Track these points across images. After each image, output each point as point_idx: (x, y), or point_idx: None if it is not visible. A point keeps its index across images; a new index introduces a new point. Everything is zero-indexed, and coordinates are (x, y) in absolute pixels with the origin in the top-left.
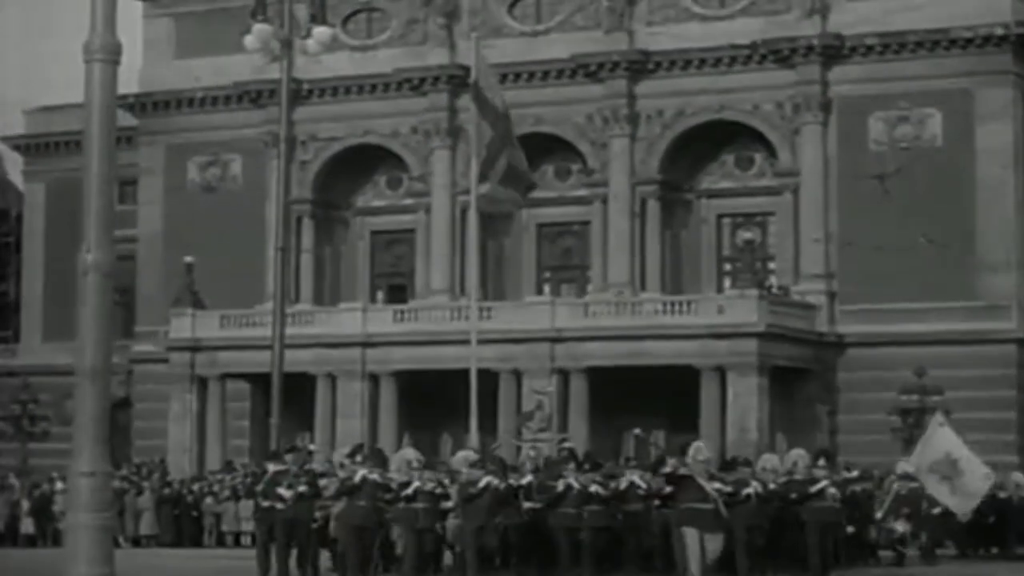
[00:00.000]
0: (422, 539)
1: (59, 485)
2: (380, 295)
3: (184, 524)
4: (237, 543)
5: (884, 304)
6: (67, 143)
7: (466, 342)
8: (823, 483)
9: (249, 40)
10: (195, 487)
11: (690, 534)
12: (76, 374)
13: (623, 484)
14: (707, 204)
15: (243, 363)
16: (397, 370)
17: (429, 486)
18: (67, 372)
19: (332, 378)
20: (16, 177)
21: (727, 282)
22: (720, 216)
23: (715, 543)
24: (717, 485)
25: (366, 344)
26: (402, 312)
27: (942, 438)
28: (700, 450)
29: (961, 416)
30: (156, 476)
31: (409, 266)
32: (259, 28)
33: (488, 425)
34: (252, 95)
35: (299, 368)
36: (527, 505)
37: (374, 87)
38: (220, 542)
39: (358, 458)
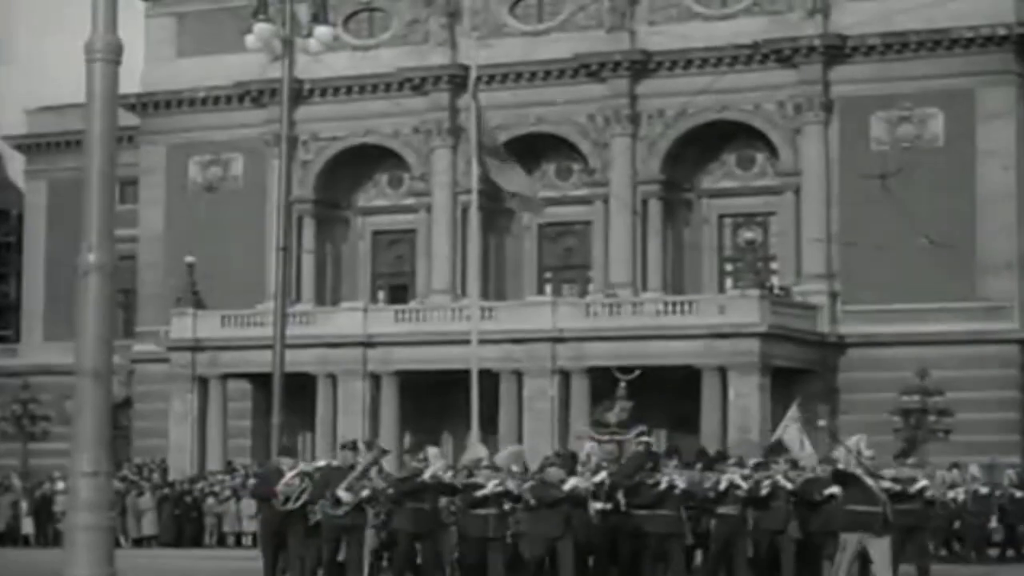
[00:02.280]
0: (488, 550)
1: (60, 485)
2: (381, 295)
3: (185, 524)
4: (238, 543)
5: (886, 305)
6: (68, 143)
7: (467, 342)
8: (923, 482)
9: (250, 40)
10: (196, 487)
11: (852, 541)
12: (77, 374)
13: (723, 484)
14: (708, 204)
15: (244, 363)
16: (398, 370)
17: (503, 487)
18: (68, 372)
19: (333, 378)
20: (17, 177)
21: (728, 282)
22: (721, 216)
23: (881, 549)
24: (886, 484)
25: (367, 344)
26: (403, 312)
27: (792, 433)
28: (863, 443)
29: (963, 417)
30: (157, 476)
31: (410, 266)
32: (260, 27)
33: (489, 426)
34: (253, 95)
35: (300, 368)
36: (597, 507)
37: (375, 87)
38: (221, 542)
39: (421, 455)
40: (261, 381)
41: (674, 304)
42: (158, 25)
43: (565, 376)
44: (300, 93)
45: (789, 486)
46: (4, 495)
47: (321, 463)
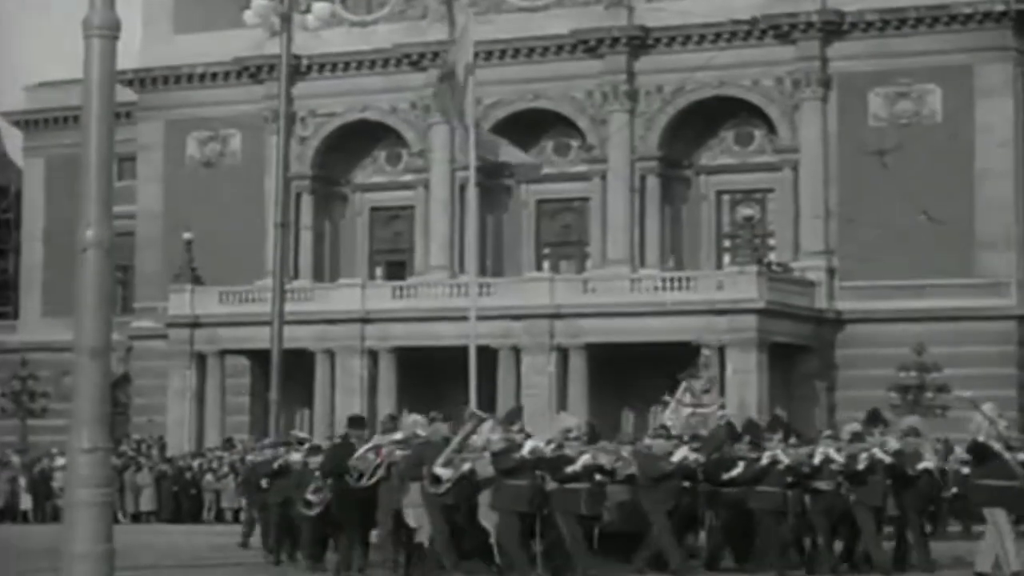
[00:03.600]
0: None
1: (58, 461)
2: (379, 271)
3: (183, 500)
4: (236, 519)
5: (883, 281)
6: (66, 119)
7: (465, 318)
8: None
9: (248, 15)
10: (194, 463)
11: (1001, 515)
12: (75, 351)
13: (817, 458)
14: (706, 180)
15: (242, 339)
16: (396, 346)
17: (602, 460)
18: (66, 348)
19: (331, 354)
20: (15, 153)
21: (726, 259)
22: (719, 192)
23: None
24: (1022, 457)
25: (365, 320)
26: (401, 288)
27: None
28: (994, 412)
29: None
30: (155, 452)
31: (408, 242)
32: (258, 3)
33: (486, 403)
34: (251, 71)
35: (298, 344)
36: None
37: (373, 63)
38: (219, 518)
39: (516, 426)
40: (259, 357)
41: (672, 280)
42: (156, 1)
43: (563, 352)
44: (298, 69)
45: (887, 459)
46: (2, 471)
47: (396, 435)
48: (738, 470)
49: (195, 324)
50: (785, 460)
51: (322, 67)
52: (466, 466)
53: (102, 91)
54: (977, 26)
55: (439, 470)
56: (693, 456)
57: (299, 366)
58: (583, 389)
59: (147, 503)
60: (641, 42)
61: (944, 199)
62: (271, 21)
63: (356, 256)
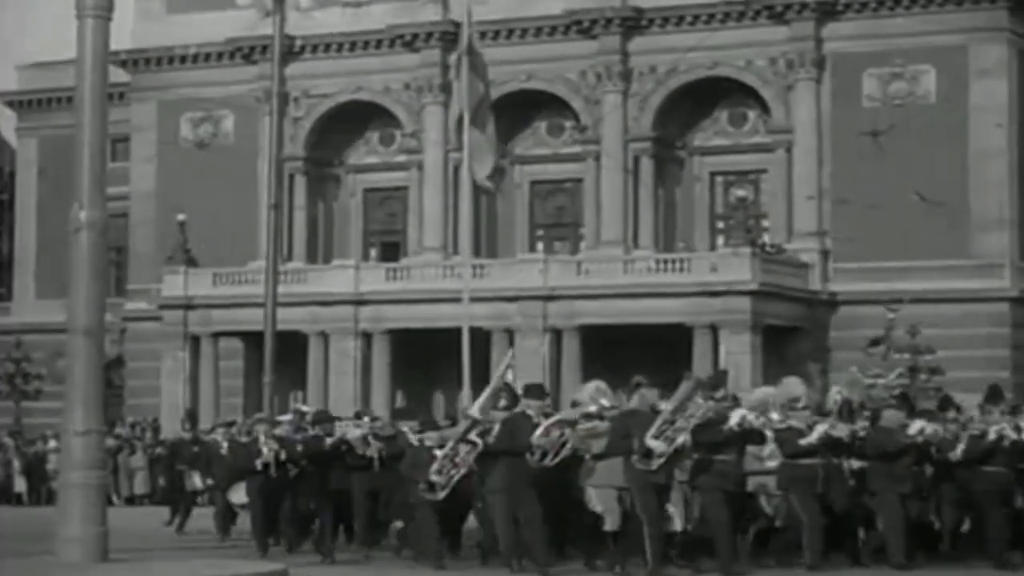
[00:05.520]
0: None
1: (52, 444)
2: (373, 253)
3: (177, 483)
4: None
5: (877, 262)
6: (60, 99)
7: (459, 300)
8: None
9: None
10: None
11: None
12: (69, 331)
13: (992, 434)
14: (700, 161)
15: (236, 321)
16: (390, 328)
17: (838, 432)
18: (60, 330)
19: (325, 336)
20: (9, 134)
21: (720, 240)
22: (713, 174)
23: None
24: None
25: (359, 302)
26: (395, 270)
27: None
28: None
29: (954, 375)
30: (149, 435)
31: (402, 224)
32: None
33: (480, 384)
34: (245, 51)
35: (292, 326)
36: (856, 465)
37: (367, 43)
38: (213, 501)
39: (720, 392)
40: (253, 339)
41: (666, 262)
42: None
43: (557, 334)
44: (291, 50)
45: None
46: None
47: (591, 407)
48: (962, 447)
49: (189, 306)
50: (1012, 435)
51: (315, 47)
52: (681, 438)
53: (95, 71)
54: (972, 6)
55: (652, 443)
56: (931, 428)
57: (293, 348)
58: (577, 370)
59: (141, 486)
60: (635, 22)
61: (938, 180)
62: (264, 1)
63: (350, 237)
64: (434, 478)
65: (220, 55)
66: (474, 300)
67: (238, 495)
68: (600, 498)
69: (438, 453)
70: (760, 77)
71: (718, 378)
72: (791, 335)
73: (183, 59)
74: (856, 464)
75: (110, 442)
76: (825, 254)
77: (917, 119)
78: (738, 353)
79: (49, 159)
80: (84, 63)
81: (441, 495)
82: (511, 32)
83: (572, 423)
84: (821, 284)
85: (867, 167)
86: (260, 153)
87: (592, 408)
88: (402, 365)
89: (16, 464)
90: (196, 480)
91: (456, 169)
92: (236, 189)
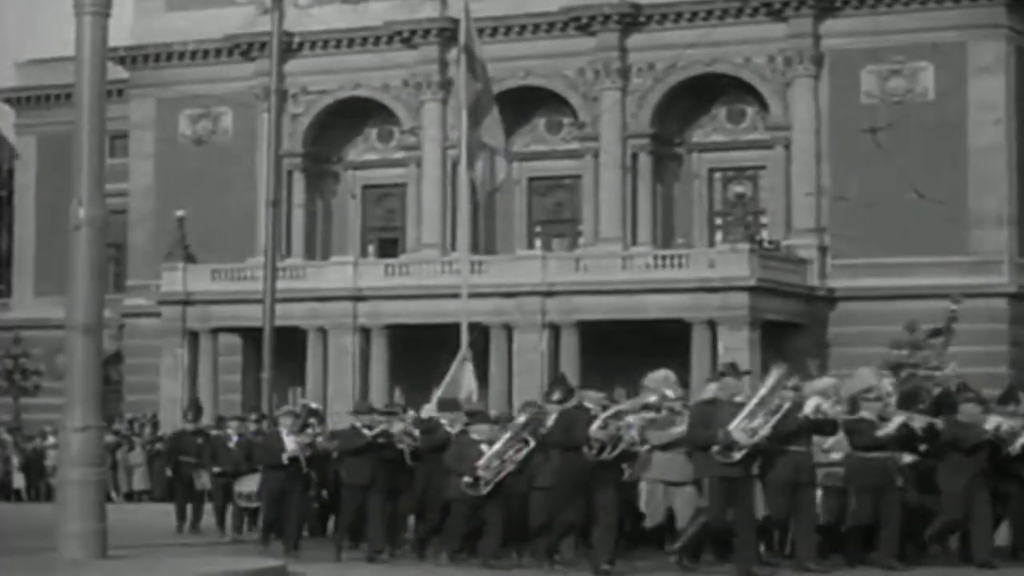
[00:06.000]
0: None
1: (51, 440)
2: (371, 249)
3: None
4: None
5: (875, 258)
6: (58, 96)
7: (457, 296)
8: None
9: None
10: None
11: None
12: (68, 328)
13: None
14: (698, 158)
15: (235, 317)
16: (388, 324)
17: (918, 423)
18: (59, 326)
19: (323, 332)
20: (7, 131)
21: (719, 236)
22: (711, 170)
23: None
24: None
25: (357, 298)
26: (393, 266)
27: (466, 375)
28: None
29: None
30: (148, 431)
31: (400, 220)
32: None
33: (479, 380)
34: (243, 48)
35: (290, 322)
36: (908, 459)
37: (365, 40)
38: (212, 497)
39: (791, 381)
40: (252, 335)
41: (664, 258)
42: None
43: (555, 330)
44: (290, 46)
45: None
46: None
47: (650, 397)
48: (1022, 441)
49: (187, 302)
50: None
51: (314, 44)
52: (766, 430)
53: (94, 68)
54: (970, 3)
55: (737, 434)
56: (1007, 425)
57: (291, 344)
58: (575, 367)
59: (139, 482)
60: (633, 19)
61: (936, 177)
62: None
63: (348, 234)
64: (481, 473)
65: (219, 52)
66: (472, 296)
67: (246, 485)
68: (649, 493)
69: (485, 448)
70: (758, 74)
71: (809, 361)
72: (789, 331)
73: (182, 56)
74: (908, 459)
75: (109, 438)
76: (823, 250)
77: (915, 116)
78: (736, 349)
79: (48, 156)
80: (83, 60)
81: (484, 491)
82: (509, 29)
83: (626, 414)
84: (819, 280)
85: (865, 164)
86: (259, 150)
87: (652, 398)
88: (400, 361)
89: (15, 460)
90: (204, 479)
91: (455, 165)
92: (235, 185)
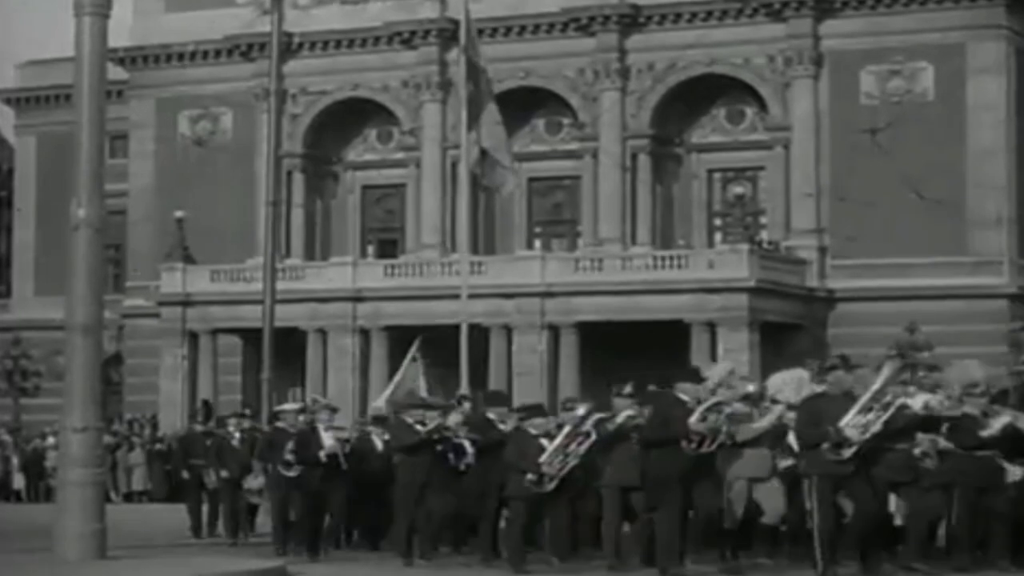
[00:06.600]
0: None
1: (51, 440)
2: (371, 250)
3: (176, 480)
4: None
5: (875, 259)
6: (58, 97)
7: (457, 297)
8: None
9: None
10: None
11: None
12: (67, 329)
13: None
14: (698, 159)
15: (234, 318)
16: (387, 325)
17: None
18: (59, 327)
19: (323, 333)
20: (7, 131)
21: (718, 237)
22: (711, 171)
23: None
24: None
25: (357, 299)
26: (392, 267)
27: (414, 372)
28: None
29: None
30: (148, 431)
31: (400, 221)
32: None
33: (478, 381)
34: (242, 49)
35: (290, 323)
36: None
37: (364, 40)
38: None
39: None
40: (251, 336)
41: (663, 259)
42: None
43: (554, 331)
44: (289, 47)
45: None
46: None
47: (749, 387)
48: None
49: (187, 303)
50: None
51: (313, 45)
52: (877, 426)
53: (94, 69)
54: (970, 4)
55: (850, 431)
56: None
57: (291, 344)
58: (574, 367)
59: (139, 482)
60: (632, 20)
61: (936, 177)
62: None
63: (347, 234)
64: (545, 469)
65: (218, 52)
66: (472, 297)
67: (254, 481)
68: (735, 490)
69: (545, 443)
70: (758, 74)
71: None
72: (789, 332)
73: (181, 56)
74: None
75: (108, 439)
76: (823, 251)
77: (915, 116)
78: (736, 350)
79: (47, 156)
80: (82, 60)
81: (549, 487)
82: (509, 29)
83: (725, 405)
84: (819, 281)
85: (865, 164)
86: (258, 150)
87: (751, 387)
88: (399, 361)
89: (15, 461)
90: (212, 478)
91: (454, 166)
92: (234, 186)
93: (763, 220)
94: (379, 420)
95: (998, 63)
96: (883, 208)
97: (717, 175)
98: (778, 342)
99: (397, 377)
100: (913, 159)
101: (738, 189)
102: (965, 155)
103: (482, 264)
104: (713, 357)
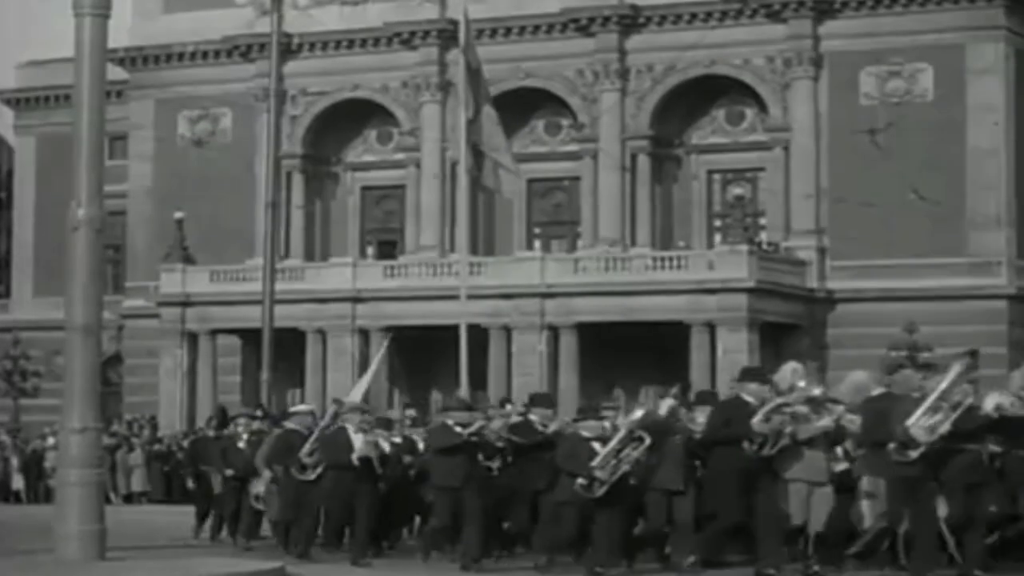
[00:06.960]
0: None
1: (50, 441)
2: (370, 250)
3: (175, 480)
4: None
5: (874, 260)
6: (57, 97)
7: (456, 297)
8: None
9: None
10: (185, 443)
11: None
12: (67, 330)
13: None
14: (697, 160)
15: (233, 318)
16: (387, 325)
17: None
18: (58, 327)
19: (322, 333)
20: (6, 132)
21: (717, 238)
22: (710, 172)
23: None
24: None
25: (356, 299)
26: (392, 267)
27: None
28: None
29: None
30: (147, 432)
31: (399, 221)
32: None
33: (478, 381)
34: (242, 49)
35: (289, 323)
36: None
37: (364, 41)
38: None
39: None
40: (251, 336)
41: (663, 260)
42: None
43: (554, 332)
44: (289, 48)
45: None
46: None
47: (814, 390)
48: None
49: (186, 303)
50: None
51: (313, 46)
52: (945, 427)
53: (93, 69)
54: (969, 5)
55: (915, 431)
56: None
57: (290, 345)
58: (574, 368)
59: (138, 483)
60: (632, 21)
61: (935, 178)
62: (261, 0)
63: (347, 235)
64: (598, 473)
65: (218, 53)
66: (471, 298)
67: (261, 487)
68: (794, 493)
69: (597, 447)
70: (757, 75)
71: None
72: (788, 332)
73: (181, 57)
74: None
75: (108, 439)
76: (822, 252)
77: (914, 117)
78: (735, 351)
79: (47, 157)
80: (82, 61)
81: (600, 492)
82: (508, 30)
83: (783, 405)
84: (818, 282)
85: (864, 165)
86: (258, 151)
87: (816, 390)
88: (399, 362)
89: (14, 461)
90: (217, 481)
91: (454, 167)
92: (234, 187)
93: (763, 221)
94: (384, 422)
95: (997, 64)
96: (882, 209)
97: (717, 176)
98: (777, 343)
99: (369, 375)
100: (912, 160)
101: (738, 190)
102: (964, 156)
103: (481, 265)
104: (713, 358)
